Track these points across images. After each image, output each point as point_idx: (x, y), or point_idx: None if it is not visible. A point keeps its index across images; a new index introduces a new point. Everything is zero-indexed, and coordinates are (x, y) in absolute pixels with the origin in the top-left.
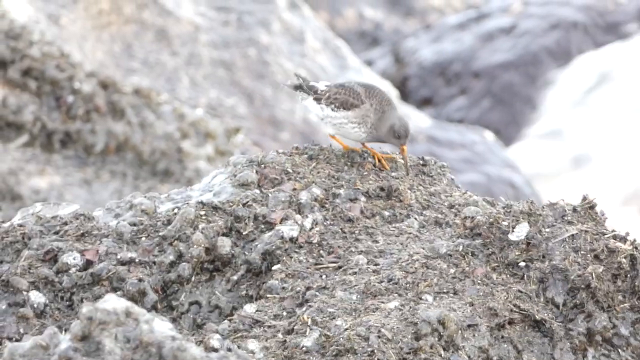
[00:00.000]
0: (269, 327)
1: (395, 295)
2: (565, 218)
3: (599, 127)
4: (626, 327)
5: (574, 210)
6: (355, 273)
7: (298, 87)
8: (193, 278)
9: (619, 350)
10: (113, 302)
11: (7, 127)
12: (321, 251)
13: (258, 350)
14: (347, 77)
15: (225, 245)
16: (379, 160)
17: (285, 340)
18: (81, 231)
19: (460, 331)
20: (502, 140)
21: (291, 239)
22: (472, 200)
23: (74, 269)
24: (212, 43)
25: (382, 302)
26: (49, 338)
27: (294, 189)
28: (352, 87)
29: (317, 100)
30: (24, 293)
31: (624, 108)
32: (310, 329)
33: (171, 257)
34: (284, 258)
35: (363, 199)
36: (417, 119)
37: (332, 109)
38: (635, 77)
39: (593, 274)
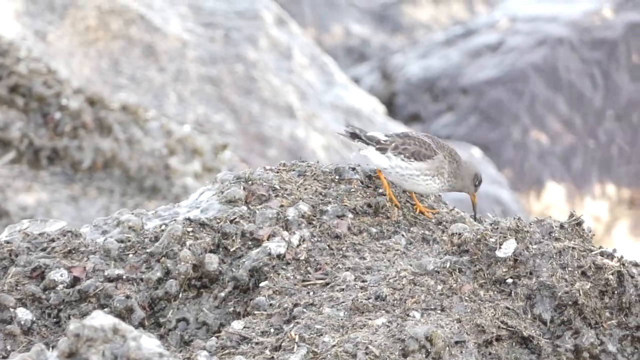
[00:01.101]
0: (257, 343)
1: (383, 311)
2: (553, 235)
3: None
4: (613, 344)
5: (561, 226)
6: (342, 290)
7: (355, 136)
8: (180, 295)
9: None
10: (100, 319)
11: None
12: (308, 268)
13: None
14: (410, 128)
15: (212, 262)
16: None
17: (272, 357)
18: (68, 248)
19: (447, 348)
20: (490, 156)
21: (278, 256)
22: (459, 217)
23: (61, 286)
24: (200, 59)
25: (370, 319)
26: (36, 355)
27: (282, 206)
28: (419, 137)
29: (382, 150)
30: (11, 310)
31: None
32: (298, 346)
33: (158, 274)
34: (272, 275)
35: (350, 215)
36: None
37: (402, 159)
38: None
39: (580, 291)
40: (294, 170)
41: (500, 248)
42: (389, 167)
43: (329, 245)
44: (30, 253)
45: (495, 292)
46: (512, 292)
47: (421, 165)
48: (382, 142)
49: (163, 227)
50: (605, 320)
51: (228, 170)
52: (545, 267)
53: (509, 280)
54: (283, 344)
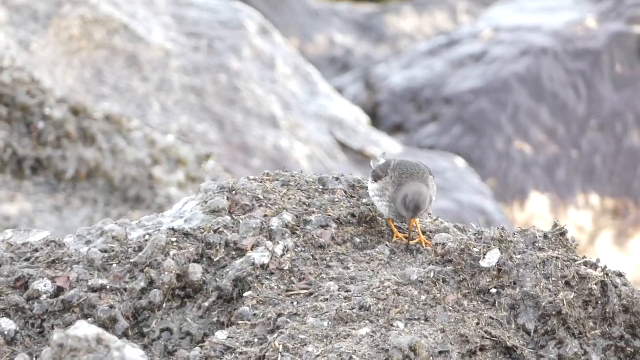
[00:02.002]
0: (241, 354)
1: (367, 322)
2: (537, 245)
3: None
4: (597, 354)
5: (545, 237)
6: (326, 300)
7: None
8: (164, 305)
9: None
10: (84, 329)
11: None
12: (292, 278)
13: None
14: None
15: (196, 272)
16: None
17: None
18: (52, 258)
19: (431, 358)
20: (473, 166)
21: (262, 266)
22: (443, 227)
23: (45, 296)
24: (183, 69)
25: (354, 329)
26: None
27: (265, 216)
28: (389, 160)
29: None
30: None
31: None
32: (282, 356)
33: (142, 284)
34: (255, 285)
35: (334, 225)
36: (388, 146)
37: (370, 182)
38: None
39: (564, 301)
40: (277, 180)
41: (484, 258)
42: (369, 189)
43: (312, 255)
44: (14, 263)
45: (479, 302)
46: (496, 302)
47: (374, 186)
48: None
49: (147, 237)
50: (589, 330)
51: (212, 180)
52: (529, 277)
53: (493, 290)
54: (267, 354)
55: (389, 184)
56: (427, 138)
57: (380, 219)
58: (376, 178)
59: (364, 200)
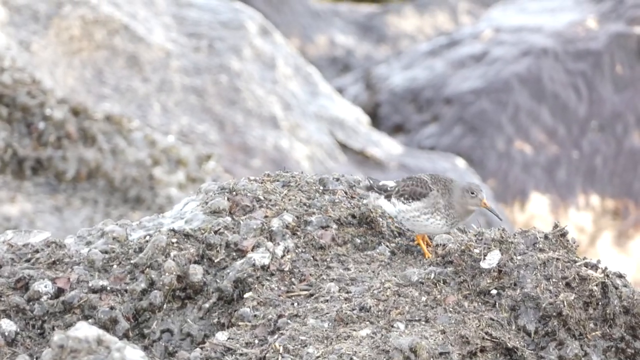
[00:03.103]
0: (241, 355)
1: (367, 323)
2: (537, 246)
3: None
4: (597, 355)
5: (546, 237)
6: (327, 301)
7: (370, 188)
8: (165, 306)
9: None
10: (84, 330)
11: None
12: (293, 279)
13: None
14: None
15: (197, 272)
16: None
17: None
18: (52, 259)
19: (431, 359)
20: (474, 167)
21: (263, 267)
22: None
23: (45, 297)
24: (184, 69)
25: (354, 330)
26: None
27: (266, 217)
28: (418, 177)
29: (388, 197)
30: None
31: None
32: (282, 357)
33: (143, 285)
34: (256, 286)
35: (335, 226)
36: (388, 146)
37: (403, 202)
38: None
39: (564, 302)
40: (278, 181)
41: (484, 259)
42: (396, 212)
43: (313, 256)
44: (15, 264)
45: (480, 303)
46: (497, 303)
47: (418, 205)
48: (389, 189)
49: (147, 237)
50: (590, 331)
51: (212, 180)
52: (529, 278)
53: (493, 292)
54: (267, 355)
55: (438, 197)
56: (428, 138)
57: (381, 219)
58: (418, 196)
59: (365, 201)
